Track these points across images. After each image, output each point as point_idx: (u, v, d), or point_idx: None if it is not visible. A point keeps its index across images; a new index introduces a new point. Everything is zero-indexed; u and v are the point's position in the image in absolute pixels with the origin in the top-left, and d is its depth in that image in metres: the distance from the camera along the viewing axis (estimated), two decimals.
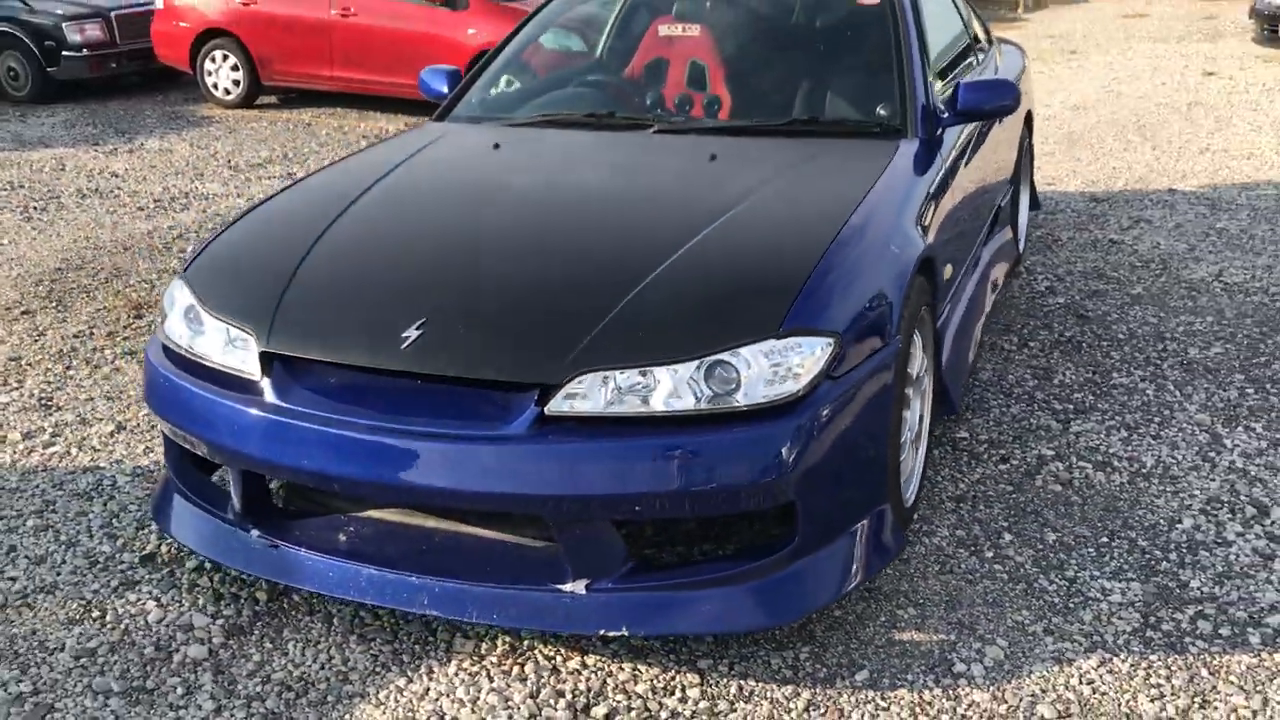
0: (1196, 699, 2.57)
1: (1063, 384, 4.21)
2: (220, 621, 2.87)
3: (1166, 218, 6.41)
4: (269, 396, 2.68)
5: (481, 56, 9.20)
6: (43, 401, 4.21)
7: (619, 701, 2.58)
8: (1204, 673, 2.66)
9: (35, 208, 6.98)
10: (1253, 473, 3.54)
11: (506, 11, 9.47)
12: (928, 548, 3.15)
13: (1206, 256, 5.69)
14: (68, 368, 4.52)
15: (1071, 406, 4.02)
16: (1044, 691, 2.60)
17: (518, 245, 3.06)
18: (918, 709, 2.55)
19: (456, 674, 2.68)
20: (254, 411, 2.67)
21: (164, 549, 3.19)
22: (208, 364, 2.84)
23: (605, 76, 4.35)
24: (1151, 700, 2.57)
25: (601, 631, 2.55)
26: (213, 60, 10.41)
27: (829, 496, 2.63)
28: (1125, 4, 18.33)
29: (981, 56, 4.92)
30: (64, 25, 10.54)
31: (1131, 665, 2.68)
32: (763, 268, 2.80)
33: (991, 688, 2.61)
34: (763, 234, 2.96)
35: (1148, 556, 3.11)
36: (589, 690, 2.62)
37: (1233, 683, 2.62)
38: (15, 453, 3.80)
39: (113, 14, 10.80)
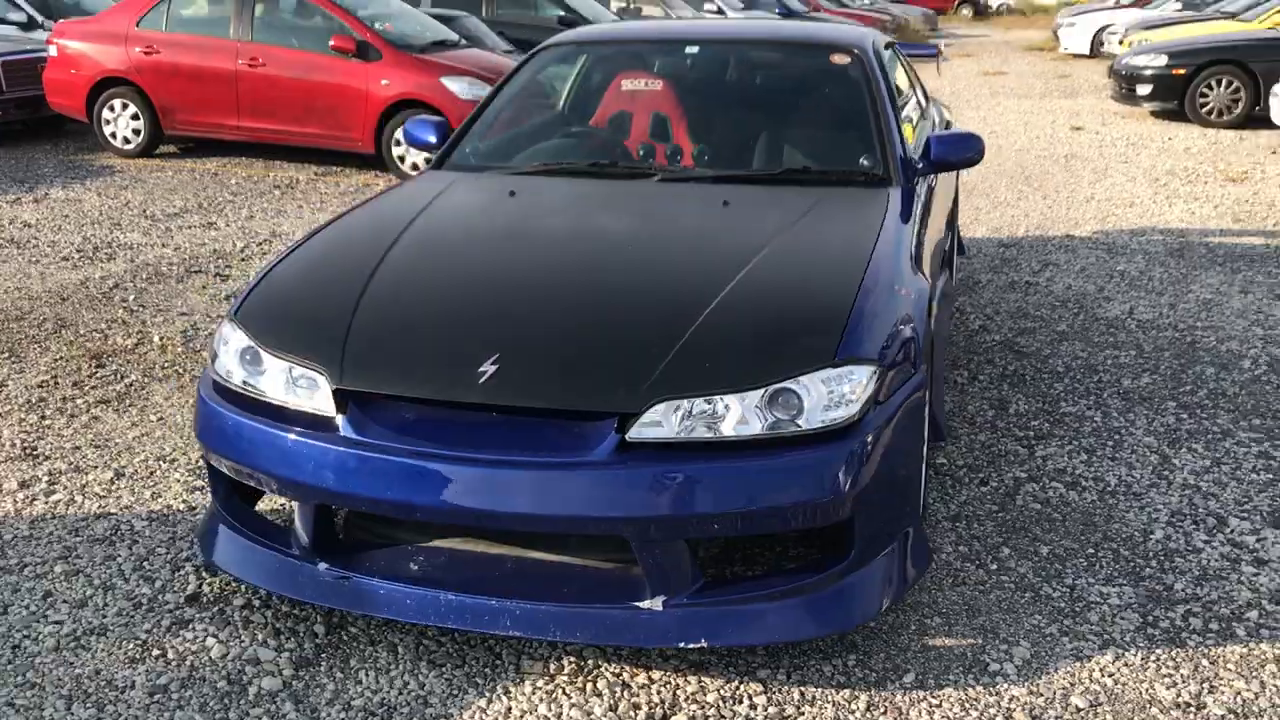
0: (1205, 684, 2.87)
1: (1019, 413, 4.54)
2: (286, 654, 2.93)
3: (1071, 261, 6.92)
4: (345, 431, 2.78)
5: (396, 108, 9.46)
6: (26, 451, 4.16)
7: (694, 711, 2.74)
8: (1205, 662, 2.96)
9: None
10: (1204, 488, 3.91)
11: (420, 64, 9.59)
12: (938, 563, 3.40)
13: (1116, 296, 6.17)
14: (42, 417, 4.46)
15: (1032, 433, 4.35)
16: (1073, 684, 2.86)
17: (568, 283, 3.23)
18: (967, 704, 2.78)
19: (534, 693, 2.80)
20: (332, 447, 2.76)
21: (205, 588, 3.22)
22: (272, 402, 2.92)
23: (604, 130, 4.57)
24: (1166, 688, 2.85)
25: (681, 644, 2.72)
26: (111, 109, 10.24)
27: (878, 513, 2.86)
28: (983, 61, 19.41)
29: (929, 110, 5.30)
30: None
31: (1142, 659, 2.97)
32: (806, 303, 3.04)
33: (1026, 683, 2.86)
34: (797, 272, 3.20)
35: (1132, 564, 3.42)
36: (663, 702, 2.77)
37: (1231, 669, 2.93)
38: (16, 502, 3.77)
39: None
